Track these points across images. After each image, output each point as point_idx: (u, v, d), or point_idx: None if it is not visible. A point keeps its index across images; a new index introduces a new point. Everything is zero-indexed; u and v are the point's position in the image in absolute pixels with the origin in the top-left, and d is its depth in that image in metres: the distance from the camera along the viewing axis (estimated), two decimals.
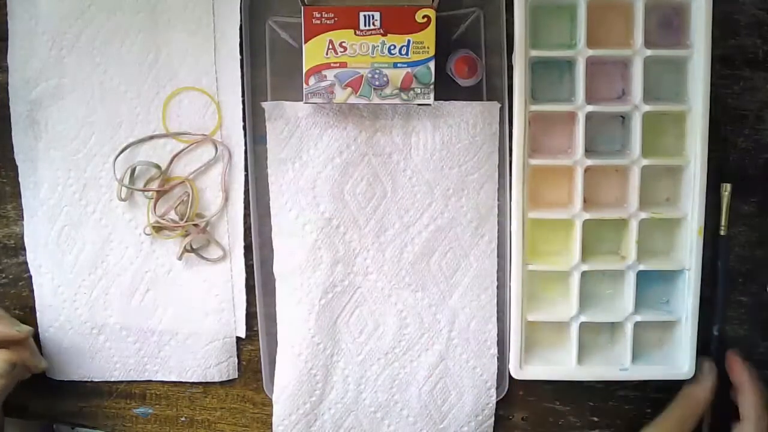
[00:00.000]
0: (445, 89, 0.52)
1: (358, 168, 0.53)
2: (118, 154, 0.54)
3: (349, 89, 0.49)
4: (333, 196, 0.53)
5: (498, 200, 0.54)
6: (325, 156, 0.53)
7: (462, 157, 0.53)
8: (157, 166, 0.54)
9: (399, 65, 0.49)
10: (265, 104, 0.53)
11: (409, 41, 0.49)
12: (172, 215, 0.55)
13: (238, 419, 0.57)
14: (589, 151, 0.52)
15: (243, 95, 0.53)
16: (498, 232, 0.54)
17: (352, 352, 0.55)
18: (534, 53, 0.51)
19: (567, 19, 0.53)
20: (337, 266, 0.54)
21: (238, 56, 0.53)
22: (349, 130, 0.53)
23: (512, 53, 0.52)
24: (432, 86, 0.50)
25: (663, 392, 0.56)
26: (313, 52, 0.49)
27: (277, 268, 0.54)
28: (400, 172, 0.53)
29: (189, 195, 0.54)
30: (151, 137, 0.54)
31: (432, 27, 0.49)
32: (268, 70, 0.53)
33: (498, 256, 0.55)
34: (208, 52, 0.53)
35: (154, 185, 0.54)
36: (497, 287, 0.55)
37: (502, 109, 0.53)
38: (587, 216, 0.52)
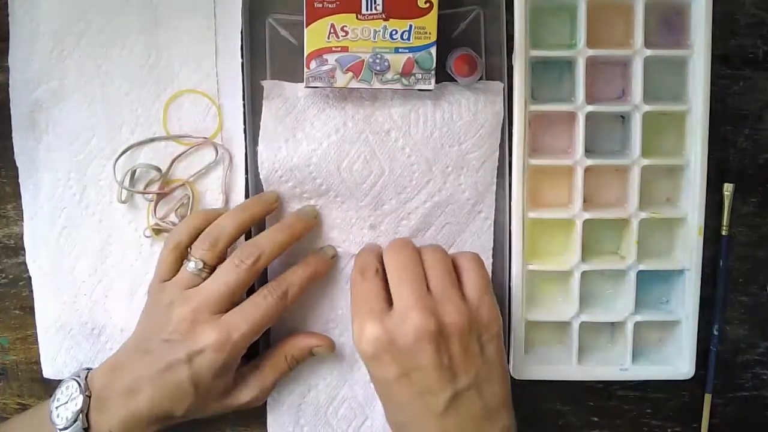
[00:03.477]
0: None
1: (354, 146, 0.52)
2: (119, 157, 0.54)
3: (351, 74, 0.49)
4: (329, 173, 0.52)
5: (497, 178, 0.54)
6: (320, 134, 0.52)
7: (463, 135, 0.52)
8: (158, 169, 0.54)
9: (400, 50, 0.49)
10: (264, 82, 0.52)
11: (410, 26, 0.49)
12: (173, 218, 0.55)
13: (238, 419, 0.57)
14: (589, 151, 0.52)
15: (243, 98, 0.53)
16: (495, 210, 0.54)
17: (349, 320, 0.55)
18: (534, 53, 0.51)
19: (567, 19, 0.53)
20: (333, 231, 0.54)
21: (240, 60, 0.53)
22: (348, 108, 0.52)
23: (512, 53, 0.51)
24: (433, 72, 0.49)
25: (663, 392, 0.57)
26: (314, 36, 0.49)
27: None
28: (398, 150, 0.53)
29: (189, 198, 0.54)
30: (152, 140, 0.54)
31: (434, 12, 0.48)
32: (268, 68, 0.53)
33: (497, 256, 0.55)
34: (209, 55, 0.53)
35: (155, 188, 0.54)
36: (498, 286, 0.54)
37: (505, 91, 0.53)
38: (587, 216, 0.52)
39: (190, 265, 0.50)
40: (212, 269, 0.50)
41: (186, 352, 0.48)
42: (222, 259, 0.50)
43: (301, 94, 0.52)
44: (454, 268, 0.49)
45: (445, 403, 0.45)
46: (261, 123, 0.53)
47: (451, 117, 0.52)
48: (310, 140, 0.52)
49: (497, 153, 0.53)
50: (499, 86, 0.53)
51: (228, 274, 0.49)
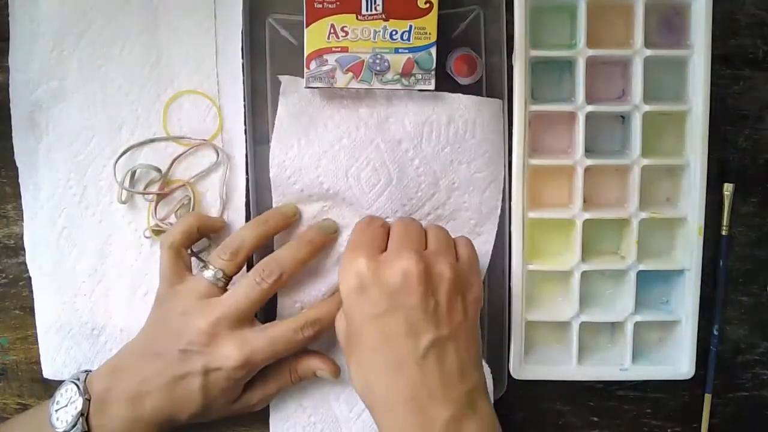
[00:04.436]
0: (445, 88, 0.52)
1: (365, 152, 0.52)
2: (119, 157, 0.54)
3: (350, 74, 0.49)
4: (336, 177, 0.52)
5: (501, 202, 0.54)
6: (333, 136, 0.52)
7: (473, 153, 0.52)
8: (158, 170, 0.54)
9: (400, 50, 0.49)
10: (282, 77, 0.52)
11: (410, 26, 0.49)
12: (173, 219, 0.54)
13: (238, 419, 0.57)
14: (589, 151, 0.52)
15: (244, 98, 0.53)
16: (496, 234, 0.54)
17: None
18: (534, 53, 0.51)
19: (567, 19, 0.53)
20: (345, 230, 0.54)
21: (240, 60, 0.53)
22: (361, 113, 0.52)
23: (512, 53, 0.51)
24: (433, 72, 0.49)
25: (663, 392, 0.57)
26: (314, 37, 0.49)
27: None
28: (408, 161, 0.52)
29: (190, 198, 0.54)
30: (152, 140, 0.54)
31: (434, 13, 0.49)
32: (268, 69, 0.53)
33: (497, 257, 0.54)
34: (209, 55, 0.53)
35: (155, 188, 0.54)
36: (498, 286, 0.54)
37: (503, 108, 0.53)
38: (587, 216, 0.52)
39: (208, 274, 0.50)
40: (229, 279, 0.50)
41: (203, 364, 0.48)
42: (240, 269, 0.51)
43: (317, 92, 0.52)
44: None
45: (425, 348, 0.44)
46: (276, 118, 0.52)
47: (464, 134, 0.52)
48: (322, 142, 0.52)
49: (503, 175, 0.53)
50: (498, 103, 0.53)
51: (249, 291, 0.49)
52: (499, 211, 0.54)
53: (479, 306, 0.48)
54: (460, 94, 0.52)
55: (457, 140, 0.52)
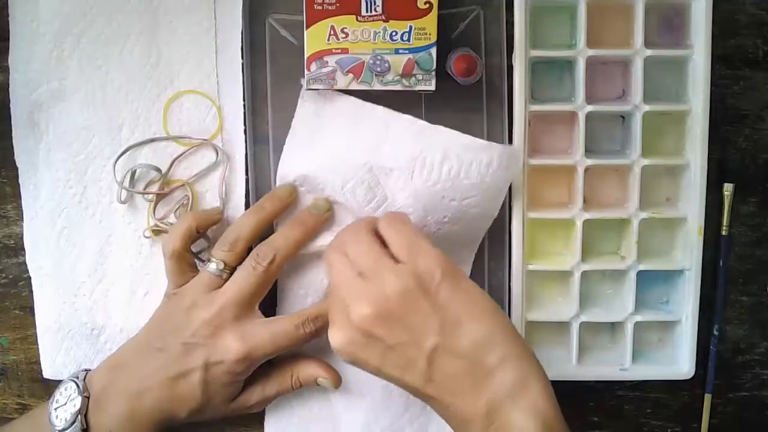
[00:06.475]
0: (444, 88, 0.52)
1: (359, 172, 0.51)
2: (119, 157, 0.54)
3: (351, 75, 0.50)
4: (334, 190, 0.52)
5: (487, 233, 0.54)
6: (335, 152, 0.52)
7: (467, 192, 0.50)
8: (158, 169, 0.54)
9: (400, 51, 0.49)
10: (303, 82, 0.51)
11: (410, 27, 0.49)
12: (172, 219, 0.54)
13: (238, 419, 0.57)
14: (589, 151, 0.52)
15: (244, 98, 0.53)
16: (496, 236, 0.54)
17: None
18: (534, 53, 0.51)
19: (567, 19, 0.53)
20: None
21: (240, 60, 0.53)
22: (361, 133, 0.51)
23: (512, 53, 0.51)
24: (433, 72, 0.50)
25: (663, 392, 0.57)
26: (314, 38, 0.49)
27: None
28: (398, 190, 0.51)
29: (189, 198, 0.54)
30: (152, 140, 0.54)
31: (434, 13, 0.49)
32: (268, 68, 0.53)
33: (498, 256, 0.55)
34: (209, 55, 0.53)
35: (154, 188, 0.54)
36: (498, 286, 0.54)
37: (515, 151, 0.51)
38: (587, 216, 0.52)
39: (211, 267, 0.50)
40: (232, 270, 0.51)
41: (204, 358, 0.48)
42: (243, 258, 0.51)
43: (335, 101, 0.52)
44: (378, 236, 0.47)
45: (423, 374, 0.42)
46: (292, 123, 0.53)
47: (457, 174, 0.50)
48: (326, 156, 0.52)
49: (497, 212, 0.52)
50: (518, 151, 0.51)
51: (246, 277, 0.49)
52: (479, 241, 0.54)
53: (452, 281, 0.43)
54: (460, 133, 0.50)
55: (449, 179, 0.50)
